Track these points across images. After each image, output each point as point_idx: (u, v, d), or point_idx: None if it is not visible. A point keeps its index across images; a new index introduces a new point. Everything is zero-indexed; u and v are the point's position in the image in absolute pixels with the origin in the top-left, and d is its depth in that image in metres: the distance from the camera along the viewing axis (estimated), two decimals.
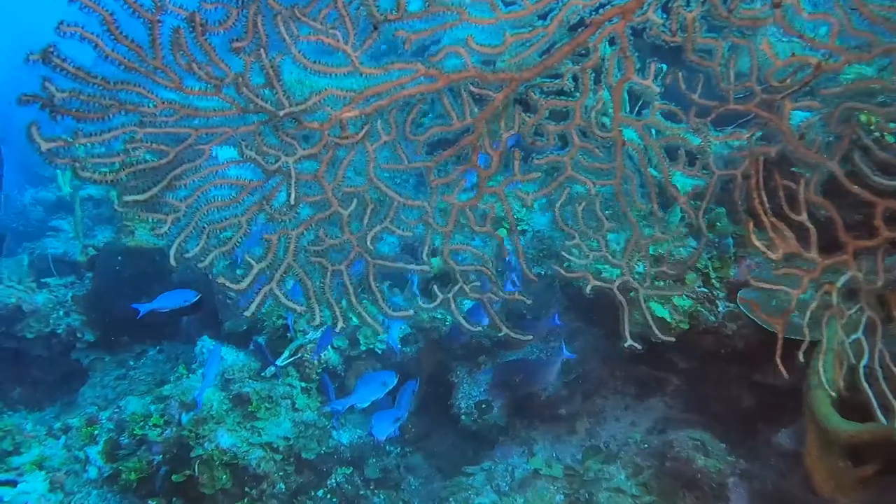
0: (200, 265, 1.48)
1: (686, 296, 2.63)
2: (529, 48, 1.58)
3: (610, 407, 3.13)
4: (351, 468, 3.50)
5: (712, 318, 2.65)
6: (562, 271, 1.72)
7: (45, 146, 1.30)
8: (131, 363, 4.49)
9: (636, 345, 1.66)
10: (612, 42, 1.59)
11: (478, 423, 3.32)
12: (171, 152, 1.46)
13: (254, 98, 1.42)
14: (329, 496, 3.38)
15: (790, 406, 2.71)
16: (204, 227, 1.52)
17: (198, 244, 1.51)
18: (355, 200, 1.65)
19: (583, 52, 1.60)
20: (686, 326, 2.62)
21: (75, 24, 1.21)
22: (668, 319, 2.58)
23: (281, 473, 3.31)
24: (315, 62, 1.44)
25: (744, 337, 2.68)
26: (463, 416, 3.36)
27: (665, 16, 1.56)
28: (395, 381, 2.80)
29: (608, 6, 1.53)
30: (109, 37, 1.30)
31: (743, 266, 2.78)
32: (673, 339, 1.69)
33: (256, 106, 1.44)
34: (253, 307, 1.53)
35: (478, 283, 1.79)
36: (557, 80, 1.65)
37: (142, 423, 3.49)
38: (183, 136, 1.47)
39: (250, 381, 3.56)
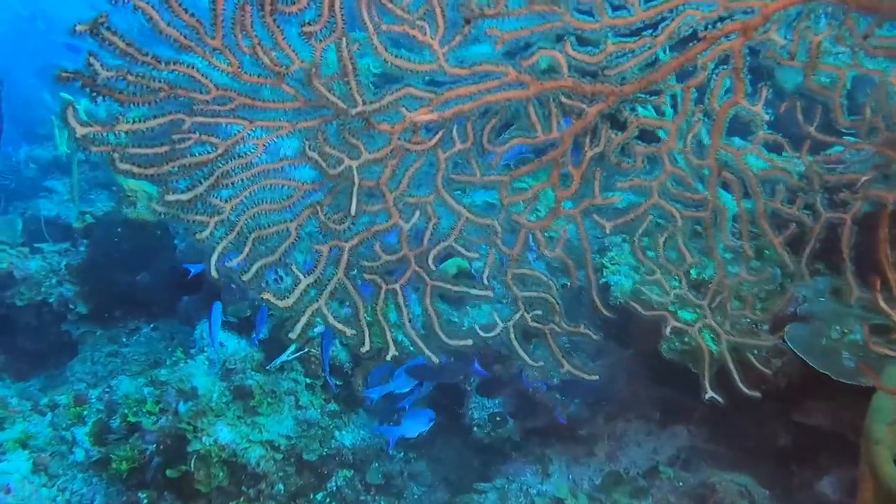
0: (244, 277, 1.29)
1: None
2: (631, 60, 1.40)
3: (632, 431, 2.98)
4: (352, 471, 3.34)
5: (755, 351, 2.50)
6: (639, 308, 1.55)
7: (81, 131, 1.11)
8: (124, 339, 4.29)
9: (717, 398, 1.50)
10: (723, 61, 1.41)
11: (491, 437, 3.17)
12: (222, 146, 1.27)
13: (325, 92, 1.23)
14: (328, 500, 3.22)
15: (830, 450, 2.58)
16: (250, 233, 1.33)
17: (240, 252, 1.32)
18: (417, 213, 1.47)
19: (689, 68, 1.42)
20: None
21: None
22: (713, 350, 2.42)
23: (280, 474, 3.14)
24: (397, 56, 1.25)
25: (787, 375, 2.53)
26: (475, 428, 3.21)
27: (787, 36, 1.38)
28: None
29: (728, 20, 1.35)
30: (166, 8, 1.10)
31: (789, 299, 2.63)
32: (759, 396, 1.53)
33: (326, 101, 1.25)
34: (298, 328, 1.35)
35: (539, 312, 1.62)
36: (653, 97, 1.47)
37: (135, 409, 3.31)
38: (236, 128, 1.28)
39: (253, 372, 3.39)
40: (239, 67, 1.23)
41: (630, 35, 1.39)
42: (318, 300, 1.38)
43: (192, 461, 2.98)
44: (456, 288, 1.50)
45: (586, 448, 3.00)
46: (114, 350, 4.20)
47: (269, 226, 1.36)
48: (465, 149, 1.43)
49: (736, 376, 1.51)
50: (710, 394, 1.49)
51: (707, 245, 1.56)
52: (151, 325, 4.41)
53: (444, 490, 3.31)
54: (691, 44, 1.38)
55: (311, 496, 3.21)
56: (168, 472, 3.00)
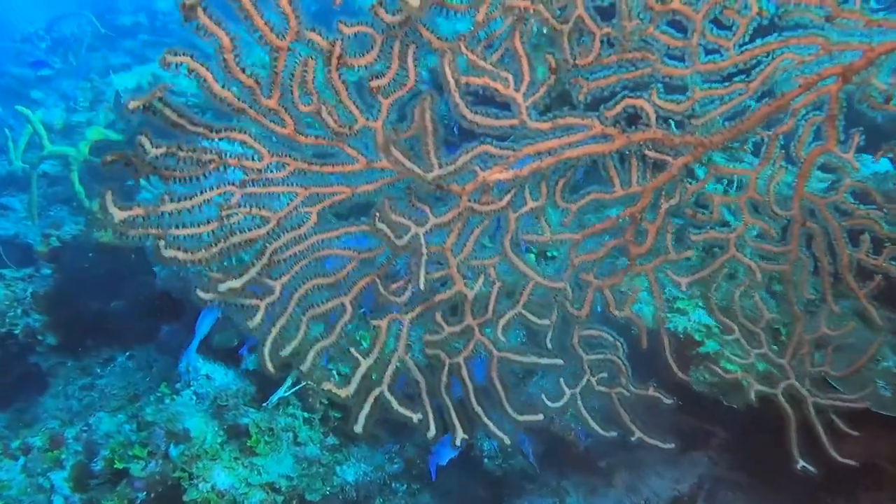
0: (302, 367, 1.12)
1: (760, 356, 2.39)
2: (719, 107, 1.26)
3: (652, 460, 2.88)
4: None
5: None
6: (720, 371, 1.43)
7: (120, 216, 0.93)
8: (98, 370, 4.03)
9: (810, 467, 1.39)
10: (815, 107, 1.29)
11: (503, 468, 3.04)
12: (273, 218, 1.10)
13: (403, 159, 1.06)
14: None
15: (864, 480, 2.52)
16: (302, 315, 1.16)
17: (294, 336, 1.15)
18: (482, 278, 1.32)
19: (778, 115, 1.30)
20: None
21: (185, 53, 0.84)
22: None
23: None
24: (477, 113, 1.10)
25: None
26: (486, 460, 3.07)
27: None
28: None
29: (827, 64, 1.23)
30: (222, 69, 0.92)
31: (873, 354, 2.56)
32: (856, 465, 1.43)
33: (401, 168, 1.09)
34: (362, 420, 1.18)
35: (605, 375, 1.49)
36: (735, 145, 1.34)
37: (120, 453, 3.07)
38: (289, 196, 1.11)
39: (246, 408, 3.18)
40: (295, 129, 1.06)
41: (719, 81, 1.26)
42: (380, 384, 1.22)
43: None
44: (525, 359, 1.36)
45: (604, 479, 2.89)
46: (88, 383, 3.93)
47: (322, 302, 1.19)
48: (537, 207, 1.28)
49: (825, 441, 1.40)
50: (801, 463, 1.38)
51: (786, 299, 1.45)
52: (126, 354, 4.15)
53: None
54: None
55: None
56: None
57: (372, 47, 1.01)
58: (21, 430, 3.67)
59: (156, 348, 3.96)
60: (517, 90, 1.11)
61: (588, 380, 1.46)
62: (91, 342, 4.08)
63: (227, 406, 3.18)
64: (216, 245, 1.01)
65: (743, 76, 1.25)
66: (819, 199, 1.39)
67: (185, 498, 2.79)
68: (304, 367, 1.11)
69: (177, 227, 0.98)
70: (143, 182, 4.44)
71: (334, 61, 0.99)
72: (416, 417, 1.25)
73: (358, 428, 1.17)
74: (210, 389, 3.40)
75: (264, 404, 3.13)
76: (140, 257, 3.93)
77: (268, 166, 1.05)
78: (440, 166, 1.11)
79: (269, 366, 1.08)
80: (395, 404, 1.23)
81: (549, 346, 1.44)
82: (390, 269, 1.25)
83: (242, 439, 3.05)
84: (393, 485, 3.30)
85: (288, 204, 1.09)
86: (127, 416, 3.59)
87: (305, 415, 3.25)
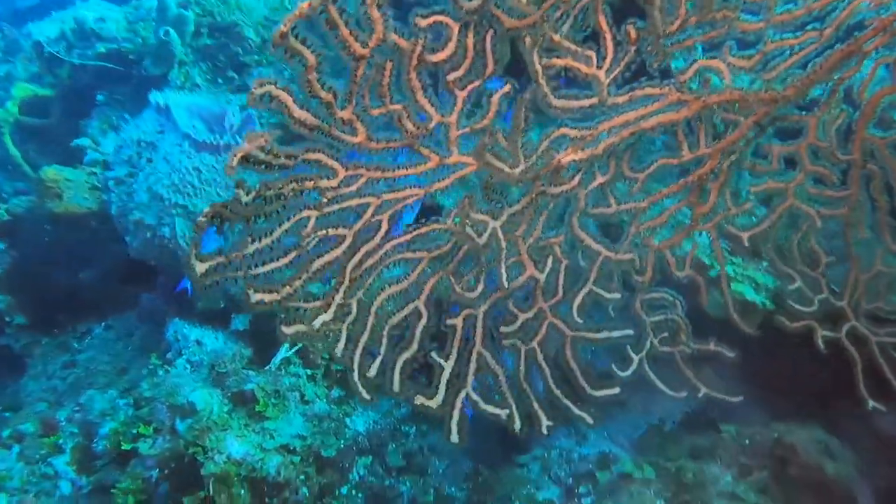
0: (393, 387, 1.06)
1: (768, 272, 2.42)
2: (789, 58, 1.19)
3: (661, 378, 2.95)
4: (370, 457, 3.19)
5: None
6: (786, 322, 1.43)
7: (201, 268, 0.82)
8: (76, 345, 3.86)
9: (880, 406, 1.42)
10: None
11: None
12: (349, 235, 1.00)
13: (494, 161, 0.96)
14: (354, 492, 3.08)
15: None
16: (382, 329, 1.08)
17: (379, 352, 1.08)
18: (550, 259, 1.25)
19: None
20: (772, 306, 2.43)
21: (269, 82, 0.72)
22: (757, 301, 2.38)
23: (302, 477, 2.95)
24: (559, 97, 1.00)
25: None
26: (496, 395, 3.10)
27: None
28: None
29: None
30: (304, 89, 0.80)
31: None
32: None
33: (489, 165, 0.99)
34: (455, 429, 1.13)
35: (665, 335, 1.48)
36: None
37: (125, 433, 2.98)
38: (362, 209, 1.01)
39: (248, 372, 3.10)
40: (367, 136, 0.94)
41: (791, 32, 1.18)
42: (464, 384, 1.16)
43: (211, 484, 2.74)
44: (598, 335, 1.32)
45: (620, 406, 2.95)
46: (68, 359, 3.78)
47: (397, 310, 1.12)
48: (606, 181, 1.21)
49: (892, 379, 1.42)
50: (872, 403, 1.40)
51: (845, 242, 1.43)
52: (103, 325, 3.99)
53: (467, 460, 3.23)
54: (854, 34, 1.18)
55: (336, 492, 3.05)
56: (185, 500, 2.75)
57: (449, 39, 0.90)
58: (7, 416, 3.53)
59: (136, 317, 3.80)
60: (600, 67, 1.02)
61: (651, 342, 1.44)
62: (64, 317, 3.89)
63: (226, 373, 3.10)
64: (299, 278, 0.91)
65: (816, 24, 1.17)
66: (879, 139, 1.36)
67: (203, 472, 2.74)
68: (395, 387, 1.04)
69: (257, 265, 0.87)
70: (86, 142, 4.14)
71: (414, 61, 0.87)
72: (503, 413, 1.21)
73: (454, 438, 1.12)
74: (204, 356, 3.32)
75: (267, 367, 3.07)
76: (105, 225, 3.71)
77: (341, 182, 0.94)
78: (525, 160, 1.02)
79: (365, 394, 1.01)
80: (481, 403, 1.18)
81: (612, 315, 1.40)
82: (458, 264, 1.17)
83: (250, 405, 2.99)
84: (403, 428, 3.32)
85: (361, 216, 0.99)
86: (119, 391, 3.48)
87: (308, 372, 3.20)
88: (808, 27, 1.18)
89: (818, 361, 2.79)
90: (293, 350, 3.10)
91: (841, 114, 1.33)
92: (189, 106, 3.48)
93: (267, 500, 2.86)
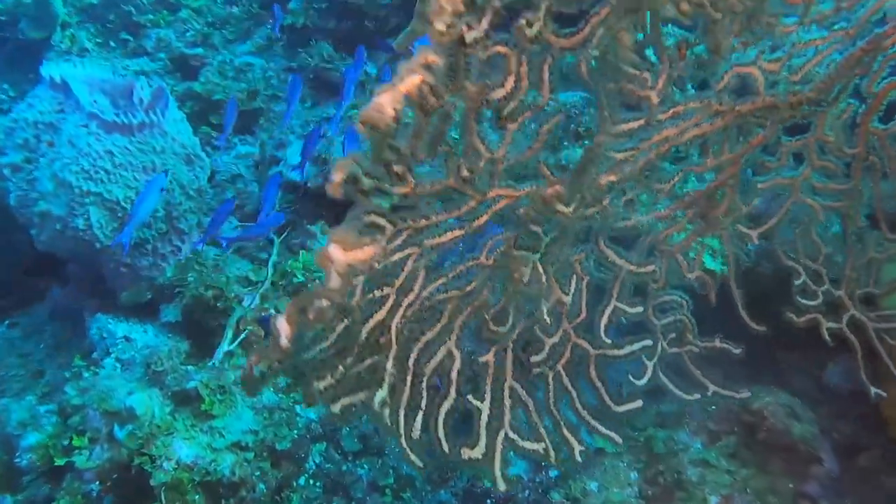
0: (442, 447, 0.97)
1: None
2: (814, 57, 1.14)
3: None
4: (325, 443, 3.10)
5: (745, 257, 2.53)
6: (795, 318, 1.43)
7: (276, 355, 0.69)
8: None
9: (881, 392, 1.46)
10: None
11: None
12: (392, 292, 0.88)
13: (563, 209, 0.86)
14: (312, 482, 2.99)
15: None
16: (422, 382, 0.98)
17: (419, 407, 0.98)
18: (574, 280, 1.18)
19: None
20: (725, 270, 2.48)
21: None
22: (716, 269, 2.41)
23: (258, 473, 2.82)
24: (616, 121, 0.91)
25: (768, 276, 2.60)
26: None
27: None
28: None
29: None
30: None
31: None
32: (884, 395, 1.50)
33: (548, 211, 0.89)
34: (499, 474, 1.06)
35: (673, 335, 1.45)
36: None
37: (54, 446, 2.74)
38: (404, 261, 0.89)
39: (187, 368, 2.90)
40: (413, 186, 0.82)
41: (818, 31, 1.13)
42: (502, 424, 1.09)
43: (163, 494, 2.57)
44: (620, 351, 1.27)
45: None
46: None
47: (431, 358, 1.02)
48: (634, 196, 1.14)
49: (890, 364, 1.46)
50: (875, 390, 1.44)
51: (844, 232, 1.44)
52: (6, 322, 3.63)
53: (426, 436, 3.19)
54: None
55: (294, 484, 2.94)
56: None
57: (509, 72, 0.78)
58: None
59: (48, 315, 3.47)
60: (652, 88, 0.93)
61: (661, 345, 1.41)
62: None
63: (164, 371, 2.89)
64: (351, 352, 0.80)
65: (844, 23, 1.13)
66: (880, 130, 1.35)
67: (152, 482, 2.57)
68: (444, 447, 0.95)
69: (307, 348, 0.75)
70: None
71: (476, 104, 0.75)
72: (541, 448, 1.15)
73: (501, 486, 1.05)
74: (136, 353, 3.09)
75: (210, 362, 2.88)
76: (2, 214, 3.33)
77: (390, 238, 0.82)
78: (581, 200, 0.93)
79: (416, 460, 0.91)
80: (521, 443, 1.11)
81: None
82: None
83: (194, 404, 2.80)
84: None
85: (402, 269, 0.88)
86: (37, 396, 3.20)
87: None
88: (836, 26, 1.13)
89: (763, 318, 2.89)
90: (237, 342, 2.92)
91: (848, 107, 1.31)
92: (87, 79, 3.12)
93: (223, 501, 2.72)
